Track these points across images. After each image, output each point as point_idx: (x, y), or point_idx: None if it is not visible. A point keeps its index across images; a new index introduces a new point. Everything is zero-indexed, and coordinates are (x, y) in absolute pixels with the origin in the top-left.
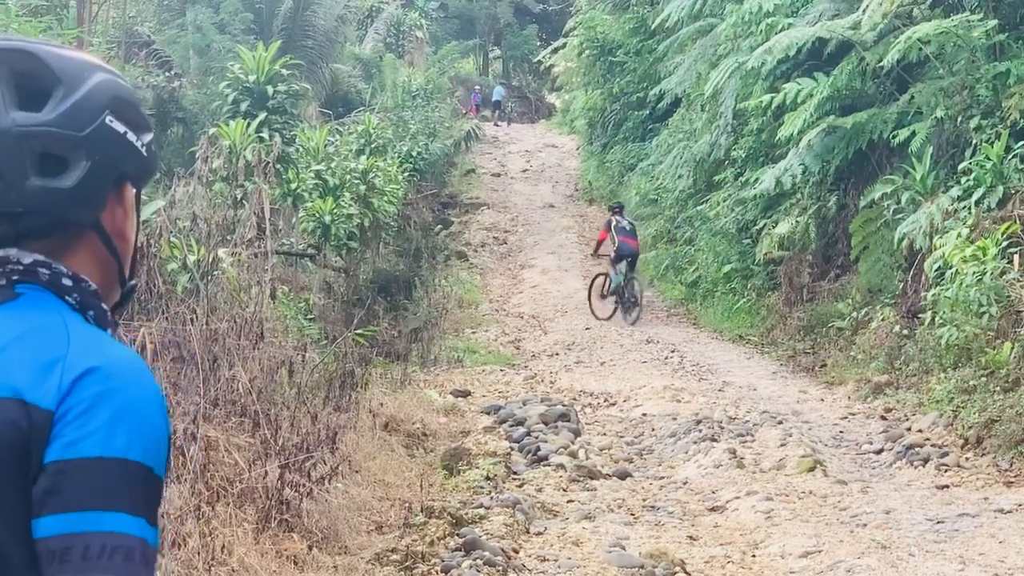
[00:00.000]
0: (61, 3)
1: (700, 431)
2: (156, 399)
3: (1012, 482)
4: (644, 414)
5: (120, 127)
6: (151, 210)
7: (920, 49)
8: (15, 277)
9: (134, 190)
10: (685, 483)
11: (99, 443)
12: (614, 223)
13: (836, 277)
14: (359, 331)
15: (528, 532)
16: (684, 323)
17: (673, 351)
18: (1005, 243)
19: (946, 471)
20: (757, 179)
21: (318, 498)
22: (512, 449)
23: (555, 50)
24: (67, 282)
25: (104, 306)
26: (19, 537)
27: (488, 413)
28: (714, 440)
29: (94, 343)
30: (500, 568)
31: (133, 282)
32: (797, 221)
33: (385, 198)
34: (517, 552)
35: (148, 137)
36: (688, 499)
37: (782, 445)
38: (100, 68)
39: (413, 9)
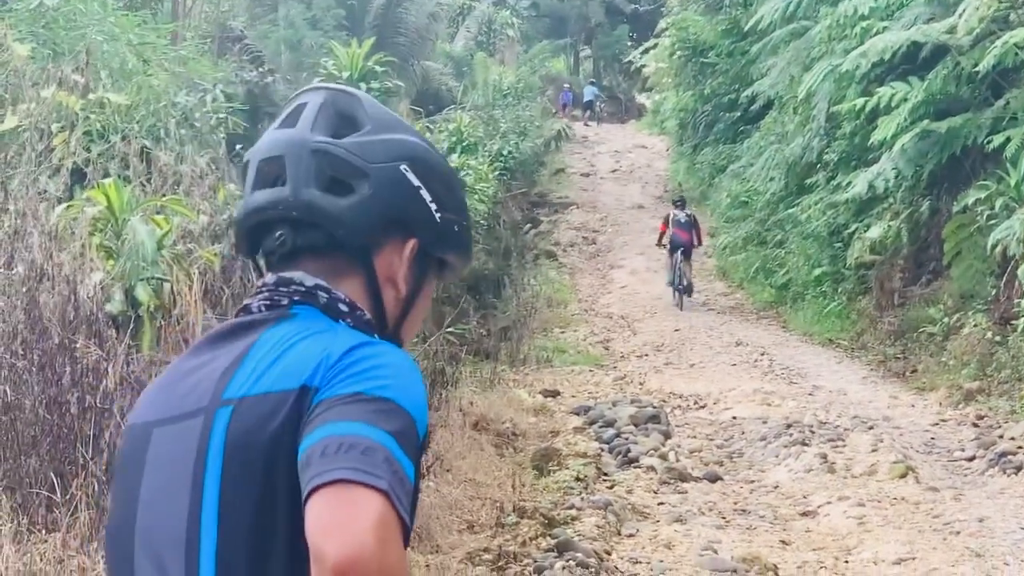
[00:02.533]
0: None
1: (790, 435)
2: (417, 373)
3: None
4: (734, 417)
5: (415, 180)
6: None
7: (1016, 54)
8: (296, 298)
9: (418, 247)
10: (776, 487)
11: (354, 384)
12: (672, 216)
13: (928, 282)
14: (450, 329)
15: (620, 534)
16: (774, 326)
17: (763, 354)
18: None
19: None
20: (850, 183)
21: None
22: (602, 450)
23: (646, 50)
24: (343, 308)
25: (376, 335)
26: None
27: (578, 414)
28: (805, 444)
29: (361, 336)
30: (593, 570)
31: (401, 334)
32: (889, 225)
33: (476, 196)
34: (609, 554)
35: (452, 215)
36: (779, 503)
37: (873, 450)
38: (415, 134)
39: (504, 7)
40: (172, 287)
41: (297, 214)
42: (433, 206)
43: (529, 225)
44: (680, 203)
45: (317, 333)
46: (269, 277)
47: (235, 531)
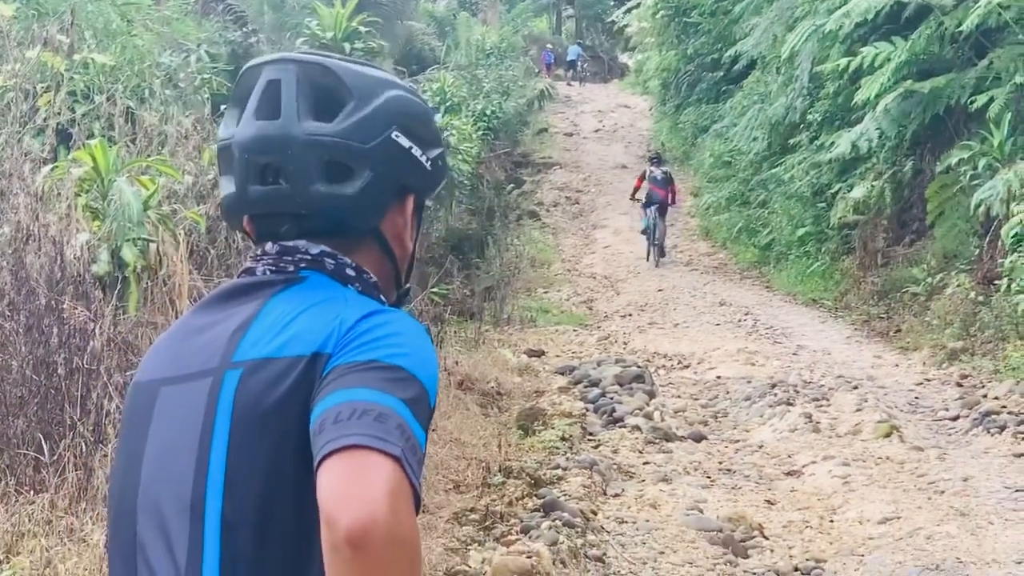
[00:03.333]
0: None
1: (775, 395)
2: (429, 342)
3: None
4: (718, 377)
5: (406, 142)
6: None
7: (999, 14)
8: (302, 265)
9: (416, 201)
10: (761, 447)
11: (368, 352)
12: (648, 172)
13: (911, 242)
14: (434, 290)
15: (605, 494)
16: (757, 286)
17: (747, 314)
18: None
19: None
20: (833, 143)
21: None
22: (587, 410)
23: (629, 10)
24: (350, 272)
25: (383, 298)
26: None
27: (562, 373)
28: (789, 404)
29: (372, 303)
30: (579, 529)
31: (408, 285)
32: (872, 185)
33: (460, 156)
34: (595, 514)
35: (435, 152)
36: (764, 463)
37: (858, 410)
38: (393, 85)
39: None
40: (158, 248)
41: (305, 211)
42: (423, 158)
43: (512, 185)
44: (656, 160)
45: (328, 300)
46: (270, 246)
47: (242, 495)
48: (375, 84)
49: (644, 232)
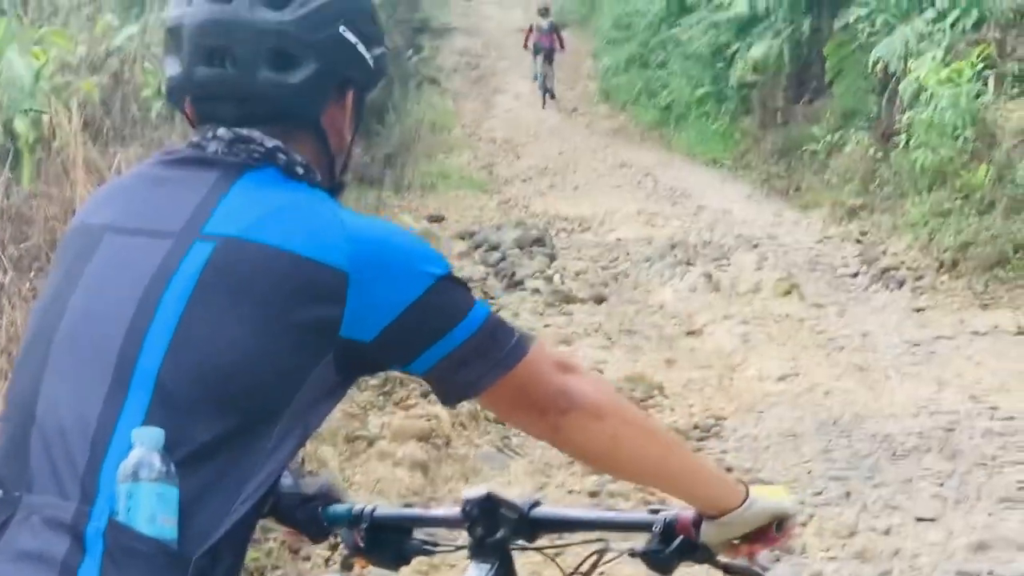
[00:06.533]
0: None
1: (675, 255)
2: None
3: (987, 304)
4: (619, 238)
5: (352, 38)
6: (124, 35)
7: None
8: (255, 156)
9: (357, 96)
10: (661, 307)
11: (410, 278)
12: (535, 24)
13: (810, 101)
14: None
15: None
16: (657, 147)
17: (647, 175)
18: (980, 66)
19: (922, 294)
20: (731, 2)
21: None
22: (488, 274)
23: None
24: (299, 170)
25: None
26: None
27: (463, 238)
28: (689, 264)
29: (341, 208)
30: None
31: (344, 179)
32: (771, 44)
33: None
34: None
35: (379, 50)
36: (665, 323)
37: (758, 269)
38: None
39: None
40: (51, 119)
41: (248, 97)
42: (367, 55)
43: (411, 51)
44: (544, 12)
45: (308, 200)
46: (223, 131)
47: (188, 363)
48: None
49: (535, 79)
